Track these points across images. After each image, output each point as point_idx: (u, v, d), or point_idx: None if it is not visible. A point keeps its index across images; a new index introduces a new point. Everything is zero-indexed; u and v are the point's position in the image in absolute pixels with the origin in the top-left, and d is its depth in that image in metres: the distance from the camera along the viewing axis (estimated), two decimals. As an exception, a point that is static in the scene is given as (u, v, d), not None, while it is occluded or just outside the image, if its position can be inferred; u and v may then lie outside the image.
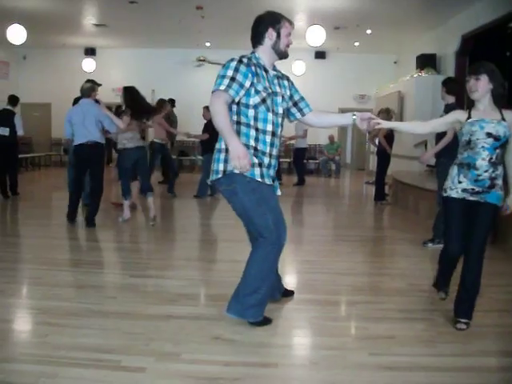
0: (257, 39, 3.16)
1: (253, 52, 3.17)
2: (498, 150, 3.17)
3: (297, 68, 14.19)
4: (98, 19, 12.66)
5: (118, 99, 8.05)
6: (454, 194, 3.34)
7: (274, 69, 3.22)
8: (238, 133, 2.98)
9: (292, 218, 7.62)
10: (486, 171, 3.17)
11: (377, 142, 9.35)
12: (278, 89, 3.12)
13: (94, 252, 5.23)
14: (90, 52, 16.00)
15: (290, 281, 4.42)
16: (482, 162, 3.17)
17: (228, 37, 14.17)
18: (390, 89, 14.33)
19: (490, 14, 9.65)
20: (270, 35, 3.10)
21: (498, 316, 3.52)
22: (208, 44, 14.70)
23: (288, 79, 3.33)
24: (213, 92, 2.90)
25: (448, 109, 5.48)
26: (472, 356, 2.83)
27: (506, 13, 9.12)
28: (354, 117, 3.26)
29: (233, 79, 2.88)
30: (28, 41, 10.80)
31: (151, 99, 15.62)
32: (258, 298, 3.10)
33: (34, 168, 15.17)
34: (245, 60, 2.97)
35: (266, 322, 3.19)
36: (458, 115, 3.40)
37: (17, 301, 3.66)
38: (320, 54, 15.91)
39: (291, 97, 3.31)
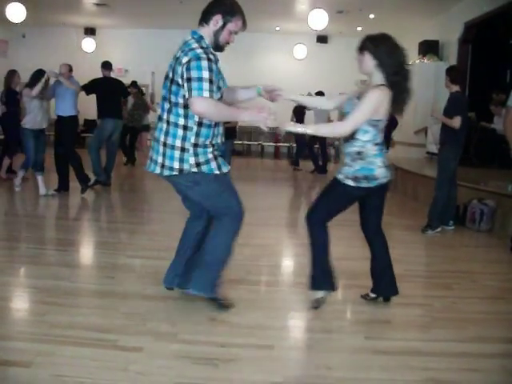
0: (204, 17, 3.08)
1: (195, 32, 3.09)
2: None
3: (298, 52, 14.09)
4: (99, -2, 12.54)
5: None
6: None
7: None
8: (199, 134, 2.96)
9: (289, 202, 7.62)
10: None
11: None
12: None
13: (93, 232, 5.24)
14: (90, 32, 15.85)
15: (287, 264, 4.44)
16: None
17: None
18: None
19: (493, 2, 9.56)
20: (215, 21, 3.03)
21: (492, 303, 3.54)
22: (209, 25, 14.58)
23: None
24: (198, 97, 2.83)
25: (451, 98, 5.47)
26: (467, 342, 2.85)
27: (509, 0, 9.04)
28: (259, 90, 3.28)
29: (210, 81, 2.85)
30: (27, 19, 10.69)
31: (151, 81, 15.62)
32: (220, 273, 3.17)
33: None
34: (211, 56, 2.93)
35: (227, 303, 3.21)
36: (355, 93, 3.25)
37: (14, 279, 3.68)
38: (322, 39, 15.76)
39: None
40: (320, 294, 3.25)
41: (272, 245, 5.08)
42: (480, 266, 4.51)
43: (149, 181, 7.61)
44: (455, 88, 5.46)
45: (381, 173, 3.10)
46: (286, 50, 14.82)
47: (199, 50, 2.91)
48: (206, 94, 2.83)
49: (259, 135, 15.61)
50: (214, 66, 2.92)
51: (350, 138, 3.08)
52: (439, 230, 5.61)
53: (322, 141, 11.68)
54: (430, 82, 11.52)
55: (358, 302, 3.46)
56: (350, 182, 3.10)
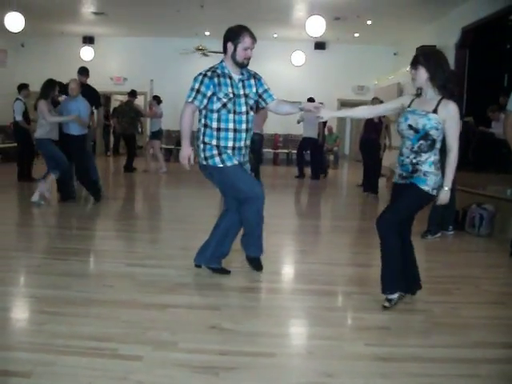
0: (223, 49, 3.78)
1: (222, 60, 3.79)
2: (421, 141, 3.21)
3: (296, 58, 14.13)
4: (97, 7, 12.57)
5: (115, 88, 8.06)
6: (394, 179, 3.50)
7: (242, 72, 3.79)
8: (204, 134, 3.74)
9: (290, 209, 7.62)
10: (407, 157, 3.27)
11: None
12: (241, 91, 3.74)
13: (91, 241, 5.23)
14: (89, 40, 15.90)
15: (287, 271, 4.44)
16: (405, 150, 3.29)
17: (227, 26, 14.02)
18: (390, 80, 14.29)
19: (490, 7, 9.61)
20: (229, 48, 3.72)
21: (493, 308, 3.54)
22: (207, 33, 14.62)
23: (255, 77, 3.89)
24: (185, 102, 3.71)
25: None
26: (467, 347, 2.84)
27: (506, 5, 9.07)
28: (301, 106, 3.93)
29: (198, 91, 3.64)
30: (26, 28, 10.71)
31: (150, 89, 15.67)
32: (260, 237, 4.00)
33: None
34: (209, 73, 3.68)
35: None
36: (403, 100, 3.49)
37: (14, 289, 3.67)
38: (320, 45, 15.83)
39: (257, 91, 3.87)
40: (394, 295, 3.39)
41: (273, 252, 5.08)
42: (480, 270, 4.50)
43: (148, 189, 7.61)
44: None
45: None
46: (284, 56, 14.87)
47: (206, 69, 3.73)
48: (189, 99, 3.68)
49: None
50: (214, 81, 3.64)
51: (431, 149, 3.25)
52: (439, 235, 5.62)
53: (317, 147, 11.70)
54: (427, 87, 11.54)
55: (357, 308, 3.45)
56: (434, 192, 3.27)
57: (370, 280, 4.17)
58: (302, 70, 14.58)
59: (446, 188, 3.23)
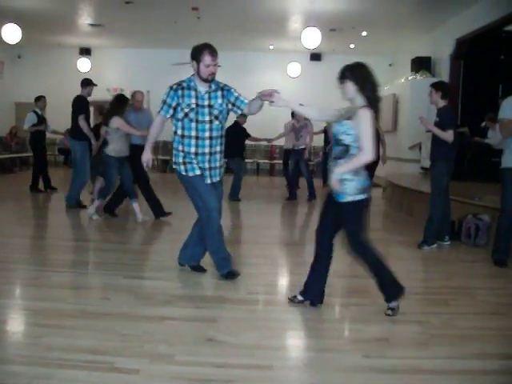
0: (192, 66, 4.05)
1: (192, 74, 4.08)
2: (337, 147, 3.37)
3: (292, 70, 14.20)
4: (94, 19, 12.63)
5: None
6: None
7: (210, 85, 4.04)
8: (174, 141, 4.09)
9: (286, 220, 7.62)
10: (332, 165, 3.40)
11: None
12: (206, 102, 4.00)
13: (88, 253, 5.22)
14: (85, 52, 15.95)
15: (284, 282, 4.43)
16: (331, 159, 3.49)
17: (223, 38, 14.17)
18: (385, 91, 14.34)
19: (484, 18, 9.70)
20: (193, 66, 4.02)
21: (490, 319, 3.54)
22: (203, 45, 14.70)
23: (223, 89, 4.11)
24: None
25: (441, 112, 5.51)
26: (466, 359, 2.84)
27: (500, 17, 9.17)
28: (258, 95, 3.93)
29: (164, 102, 4.03)
30: (23, 40, 10.76)
31: (147, 100, 15.67)
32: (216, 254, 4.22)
33: (28, 167, 15.11)
34: (174, 87, 4.02)
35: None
36: (343, 111, 3.52)
37: (10, 302, 3.65)
38: (315, 56, 15.92)
39: (228, 100, 4.09)
40: (300, 298, 3.60)
41: (268, 264, 5.08)
42: (477, 281, 4.51)
43: (142, 201, 7.59)
44: (443, 103, 5.50)
45: (367, 185, 3.40)
46: (280, 67, 14.94)
47: (175, 83, 4.08)
48: (158, 109, 4.10)
49: (255, 153, 15.70)
50: (178, 93, 3.98)
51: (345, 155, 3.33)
52: (435, 245, 5.62)
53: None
54: (422, 97, 11.54)
55: (355, 320, 3.45)
56: (361, 196, 3.33)
57: (367, 291, 4.16)
58: (297, 81, 14.64)
59: (335, 174, 3.27)
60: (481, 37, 10.25)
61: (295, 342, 3.21)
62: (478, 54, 10.60)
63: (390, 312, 3.43)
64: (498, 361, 2.86)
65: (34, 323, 3.19)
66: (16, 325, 3.29)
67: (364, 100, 3.33)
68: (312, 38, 10.53)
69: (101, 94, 8.43)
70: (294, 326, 3.39)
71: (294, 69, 14.18)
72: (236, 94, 4.13)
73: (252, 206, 9.17)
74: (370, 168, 8.06)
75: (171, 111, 4.03)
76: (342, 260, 5.32)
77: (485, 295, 4.06)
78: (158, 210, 7.00)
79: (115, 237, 6.14)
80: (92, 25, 13.04)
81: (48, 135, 10.01)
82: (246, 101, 4.10)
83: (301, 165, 9.66)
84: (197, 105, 3.98)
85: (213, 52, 3.98)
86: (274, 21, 11.94)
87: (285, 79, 14.95)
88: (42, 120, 9.50)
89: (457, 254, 5.59)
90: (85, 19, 12.61)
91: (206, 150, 4.02)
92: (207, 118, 3.99)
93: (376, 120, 3.36)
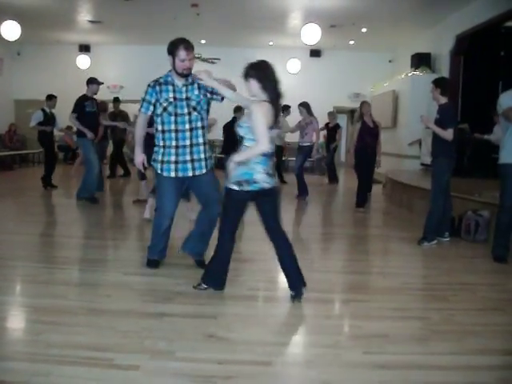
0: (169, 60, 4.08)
1: (170, 70, 4.10)
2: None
3: (292, 66, 14.18)
4: (93, 15, 12.61)
5: (112, 96, 8.04)
6: None
7: (187, 78, 4.06)
8: (155, 137, 4.14)
9: (285, 216, 7.60)
10: None
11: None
12: (184, 95, 4.03)
13: (89, 250, 5.21)
14: (85, 49, 15.93)
15: (283, 279, 4.42)
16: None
17: (223, 34, 14.16)
18: (385, 87, 14.36)
19: (484, 14, 9.68)
20: (170, 62, 4.05)
21: (490, 314, 3.54)
22: (203, 41, 14.67)
23: (198, 83, 4.07)
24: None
25: (442, 109, 5.50)
26: (466, 354, 2.84)
27: (500, 13, 9.15)
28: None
29: (144, 100, 4.09)
30: (22, 37, 10.75)
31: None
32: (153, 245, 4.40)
33: (27, 164, 15.10)
34: (152, 84, 4.09)
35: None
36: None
37: (10, 299, 3.65)
38: (315, 53, 15.90)
39: (206, 90, 4.09)
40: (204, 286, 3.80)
41: (269, 260, 5.07)
42: (477, 277, 4.51)
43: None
44: (444, 100, 5.48)
45: (261, 178, 3.48)
46: (280, 64, 14.78)
47: (152, 80, 4.14)
48: (139, 108, 4.14)
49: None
50: (155, 89, 4.04)
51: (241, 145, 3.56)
52: (435, 241, 5.62)
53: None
54: (422, 94, 11.58)
55: (355, 316, 3.45)
56: (234, 187, 3.50)
57: (367, 287, 4.18)
58: (297, 78, 14.62)
59: (232, 161, 3.46)
60: (481, 33, 10.23)
61: (295, 338, 3.21)
62: (478, 50, 10.58)
63: (195, 285, 3.82)
64: (499, 356, 2.86)
65: (34, 320, 3.19)
66: (15, 322, 3.29)
67: (266, 96, 3.46)
68: (312, 35, 10.50)
69: (101, 91, 8.39)
70: (294, 322, 3.38)
71: (294, 65, 14.16)
72: (210, 88, 4.11)
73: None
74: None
75: (151, 108, 4.08)
76: (341, 256, 5.33)
77: (485, 291, 4.06)
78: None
79: (116, 233, 6.14)
80: (91, 21, 13.02)
81: (56, 132, 10.17)
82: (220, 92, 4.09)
83: (296, 161, 9.69)
84: (174, 98, 4.02)
85: (187, 47, 3.99)
86: (273, 17, 11.91)
87: (285, 75, 14.77)
88: (49, 118, 9.56)
89: (457, 250, 5.59)
90: (84, 16, 12.59)
91: (187, 142, 4.06)
92: (186, 111, 4.03)
93: (273, 115, 3.47)
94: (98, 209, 7.55)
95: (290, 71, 14.30)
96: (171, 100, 4.03)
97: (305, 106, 9.33)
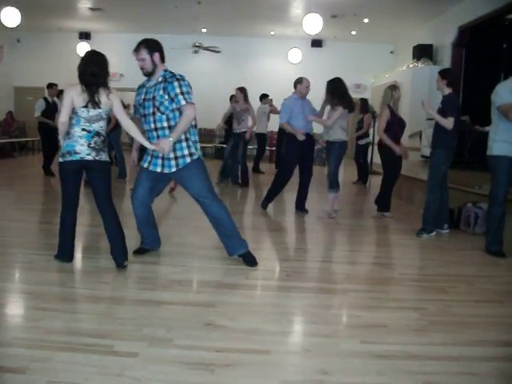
0: None
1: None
2: None
3: (293, 56, 14.13)
4: (94, 3, 12.55)
5: (112, 84, 7.97)
6: None
7: (158, 78, 4.07)
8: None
9: (285, 206, 7.61)
10: None
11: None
12: (151, 95, 4.04)
13: (88, 237, 5.22)
14: (85, 36, 15.86)
15: (282, 268, 4.43)
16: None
17: (224, 23, 14.09)
18: (386, 79, 14.30)
19: (486, 6, 9.64)
20: None
21: (488, 306, 3.54)
22: (204, 30, 14.61)
23: (165, 81, 4.02)
24: None
25: (446, 100, 5.48)
26: (464, 345, 2.85)
27: (502, 5, 9.12)
28: None
29: (134, 106, 4.28)
30: (22, 24, 10.71)
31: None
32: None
33: (27, 152, 15.07)
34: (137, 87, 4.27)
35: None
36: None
37: (9, 285, 3.65)
38: (317, 43, 15.85)
39: (168, 94, 3.97)
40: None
41: (268, 249, 5.09)
42: (475, 269, 4.52)
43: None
44: (448, 90, 5.46)
45: (81, 150, 3.80)
46: (281, 54, 14.87)
47: None
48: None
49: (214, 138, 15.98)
50: (137, 92, 4.25)
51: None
52: (434, 233, 5.63)
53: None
54: (424, 85, 11.58)
55: (353, 306, 3.46)
56: (60, 159, 3.87)
57: (365, 278, 4.19)
58: (298, 68, 14.54)
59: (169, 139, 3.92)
60: (483, 25, 10.19)
61: (293, 327, 3.21)
62: (480, 42, 10.54)
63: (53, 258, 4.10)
64: (496, 348, 2.87)
65: (33, 306, 3.20)
66: (15, 308, 3.29)
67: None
68: (313, 25, 10.46)
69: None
70: (293, 311, 3.39)
71: (295, 55, 14.12)
72: (177, 91, 3.95)
73: (252, 192, 9.16)
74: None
75: (140, 110, 4.20)
76: (341, 247, 5.34)
77: (483, 283, 4.07)
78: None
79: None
80: (92, 9, 12.96)
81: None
82: (183, 102, 3.93)
83: (239, 148, 9.48)
84: (144, 99, 4.09)
85: (135, 49, 4.15)
86: (275, 7, 11.86)
87: (286, 66, 14.90)
88: (51, 107, 9.62)
89: (456, 242, 5.60)
90: (84, 3, 12.53)
91: (155, 142, 4.06)
92: (151, 111, 4.04)
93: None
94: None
95: (292, 61, 14.27)
96: (141, 101, 4.14)
97: (243, 91, 9.24)
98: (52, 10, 13.09)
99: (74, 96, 3.81)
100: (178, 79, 3.99)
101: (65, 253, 4.05)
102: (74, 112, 3.84)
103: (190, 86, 4.03)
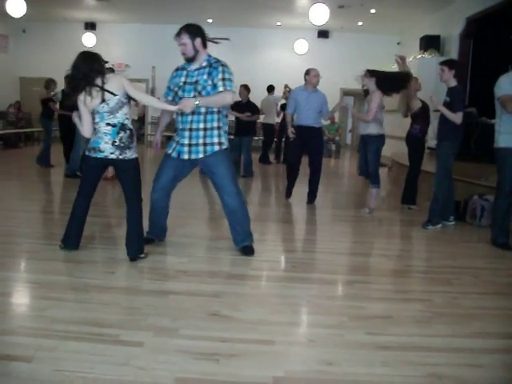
0: None
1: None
2: None
3: (299, 47, 14.06)
4: (99, -7, 12.51)
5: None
6: None
7: (202, 63, 4.08)
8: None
9: (294, 198, 7.61)
10: None
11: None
12: (194, 79, 4.05)
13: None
14: (91, 26, 15.82)
15: (287, 259, 4.44)
16: None
17: (230, 14, 14.02)
18: (393, 70, 14.21)
19: (495, -3, 9.54)
20: None
21: (494, 298, 3.54)
22: (210, 21, 14.53)
23: (211, 66, 4.05)
24: None
25: (452, 91, 5.43)
26: (468, 337, 2.85)
27: (512, -5, 9.01)
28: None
29: (167, 87, 4.26)
30: (28, 14, 10.66)
31: (151, 76, 15.61)
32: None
33: (33, 143, 15.10)
34: (173, 71, 4.26)
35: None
36: None
37: (15, 275, 3.68)
38: (323, 33, 15.74)
39: (212, 80, 4.01)
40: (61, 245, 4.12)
41: (273, 240, 5.09)
42: (481, 261, 4.51)
43: (144, 176, 7.58)
44: (455, 82, 5.41)
45: (105, 148, 3.84)
46: (287, 45, 14.79)
47: None
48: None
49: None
50: (172, 75, 4.22)
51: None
52: (440, 225, 5.61)
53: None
54: (431, 76, 11.44)
55: (358, 297, 3.46)
56: (86, 152, 3.97)
57: (370, 269, 4.19)
58: (304, 59, 14.48)
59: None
60: (491, 16, 10.08)
61: (298, 318, 3.22)
62: (487, 33, 10.44)
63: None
64: (501, 340, 2.87)
65: (39, 296, 3.22)
66: (21, 297, 3.31)
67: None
68: (320, 15, 10.39)
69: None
70: (298, 302, 3.40)
71: (301, 46, 14.04)
72: (220, 76, 4.01)
73: (245, 183, 9.17)
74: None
75: (171, 93, 4.20)
76: (345, 238, 5.34)
77: (488, 275, 4.06)
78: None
79: (121, 212, 6.15)
80: (97, -1, 12.91)
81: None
82: (222, 89, 3.99)
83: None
84: (184, 83, 4.08)
85: (176, 34, 4.09)
86: (281, -4, 11.80)
87: (292, 56, 14.82)
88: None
89: (461, 234, 5.59)
90: (90, -7, 12.49)
91: (188, 125, 4.08)
92: (192, 94, 4.03)
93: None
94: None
95: (298, 52, 14.19)
96: (181, 84, 4.10)
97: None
98: (57, 0, 13.05)
99: (86, 102, 3.81)
100: (222, 65, 4.05)
101: (70, 239, 4.07)
102: (95, 112, 3.84)
103: (233, 75, 4.06)
